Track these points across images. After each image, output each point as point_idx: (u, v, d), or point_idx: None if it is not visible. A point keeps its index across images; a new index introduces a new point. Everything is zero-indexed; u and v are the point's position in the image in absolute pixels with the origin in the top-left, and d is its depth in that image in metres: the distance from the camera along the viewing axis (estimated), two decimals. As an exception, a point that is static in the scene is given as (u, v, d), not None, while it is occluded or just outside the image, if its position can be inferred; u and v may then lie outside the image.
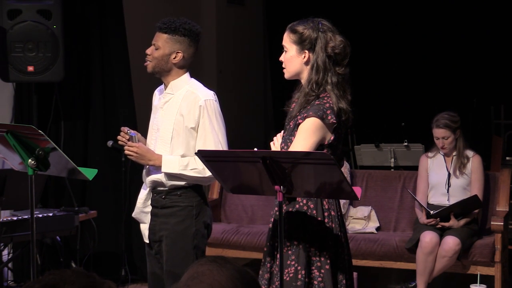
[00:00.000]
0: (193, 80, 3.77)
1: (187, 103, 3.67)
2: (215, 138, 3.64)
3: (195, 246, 3.69)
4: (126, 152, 3.68)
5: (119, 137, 3.72)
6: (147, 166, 3.74)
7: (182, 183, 3.67)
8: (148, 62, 3.73)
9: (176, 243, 3.68)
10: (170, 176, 3.65)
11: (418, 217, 5.50)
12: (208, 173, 3.55)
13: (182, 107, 3.67)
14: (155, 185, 3.73)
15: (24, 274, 5.68)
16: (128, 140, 3.68)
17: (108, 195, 5.94)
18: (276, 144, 3.35)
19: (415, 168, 5.78)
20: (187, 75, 3.75)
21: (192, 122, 3.65)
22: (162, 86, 3.84)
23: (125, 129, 3.72)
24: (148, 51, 3.73)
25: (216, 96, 3.75)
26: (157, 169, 3.67)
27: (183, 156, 3.65)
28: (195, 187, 3.70)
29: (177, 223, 3.68)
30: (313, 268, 3.23)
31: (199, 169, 3.61)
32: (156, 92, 3.89)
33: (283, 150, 3.27)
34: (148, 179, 3.74)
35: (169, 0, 7.41)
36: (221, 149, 3.63)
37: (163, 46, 3.69)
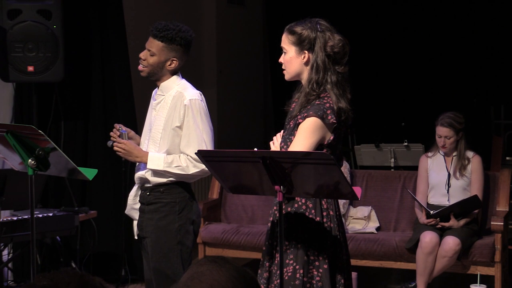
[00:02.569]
0: (183, 81, 3.81)
1: (174, 102, 3.73)
2: (199, 137, 3.68)
3: (178, 241, 3.72)
4: (115, 148, 3.75)
5: (111, 133, 3.79)
6: (138, 164, 3.82)
7: (165, 180, 3.73)
8: (143, 67, 3.77)
9: (160, 238, 3.73)
10: (155, 172, 3.72)
11: (418, 217, 5.50)
12: (191, 170, 3.65)
13: (170, 107, 3.74)
14: (142, 182, 3.80)
15: (24, 274, 5.68)
16: (119, 136, 3.76)
17: (108, 195, 5.95)
18: (275, 143, 3.36)
19: (415, 168, 5.78)
20: (176, 76, 3.80)
21: (177, 121, 3.70)
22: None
23: (117, 125, 3.80)
24: (142, 55, 3.76)
25: (202, 96, 3.79)
26: (145, 166, 3.75)
27: (167, 153, 3.71)
28: (180, 183, 3.75)
29: (160, 218, 3.73)
30: (311, 267, 3.23)
31: (182, 167, 3.67)
32: (153, 94, 3.95)
33: (282, 149, 3.28)
34: (136, 176, 3.84)
35: (169, 0, 7.41)
36: (204, 147, 3.67)
37: (158, 54, 3.73)
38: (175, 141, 3.71)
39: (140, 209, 3.82)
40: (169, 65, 3.73)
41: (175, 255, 3.71)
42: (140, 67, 3.78)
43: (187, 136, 3.68)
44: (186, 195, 3.76)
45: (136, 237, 3.87)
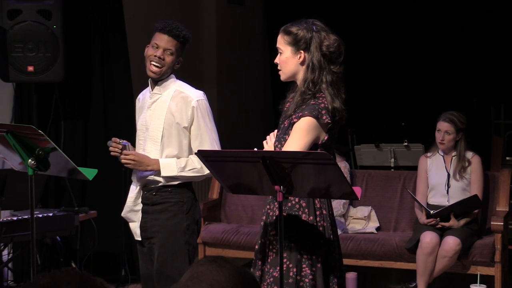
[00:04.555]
0: (180, 81, 3.81)
1: (176, 102, 3.72)
2: (210, 137, 3.70)
3: (186, 241, 3.72)
4: (123, 161, 3.69)
5: (111, 149, 3.71)
6: None
7: (176, 182, 3.72)
8: (159, 67, 3.70)
9: (168, 238, 3.71)
10: (168, 177, 3.69)
11: (418, 217, 5.50)
12: (206, 171, 3.62)
13: (171, 107, 3.72)
14: (146, 183, 3.76)
15: (24, 274, 5.68)
16: (122, 149, 3.69)
17: (108, 195, 5.94)
18: (269, 142, 3.37)
19: (415, 168, 5.77)
20: (173, 76, 3.79)
21: (184, 122, 3.69)
22: (145, 91, 3.89)
23: (117, 140, 3.73)
24: (161, 54, 3.69)
25: (205, 95, 3.80)
26: (157, 173, 3.70)
27: (176, 156, 3.69)
28: (186, 183, 3.75)
29: (168, 218, 3.72)
30: (304, 266, 3.24)
31: (197, 169, 3.68)
32: (140, 97, 3.93)
33: (276, 148, 3.29)
34: (138, 177, 3.78)
35: (170, 0, 7.41)
36: (216, 147, 3.70)
37: (176, 53, 3.72)
38: (182, 142, 3.70)
39: (143, 210, 3.78)
40: (177, 64, 3.75)
41: (183, 255, 3.70)
42: (154, 68, 3.70)
43: (200, 137, 3.69)
44: (191, 194, 3.77)
45: (139, 239, 3.81)
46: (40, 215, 4.87)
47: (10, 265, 5.71)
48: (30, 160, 3.40)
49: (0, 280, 5.40)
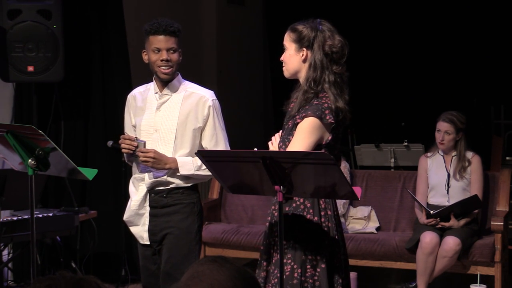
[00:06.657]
0: (187, 81, 3.81)
1: (190, 103, 3.71)
2: (224, 137, 3.75)
3: (197, 242, 3.74)
4: (142, 158, 3.63)
5: (124, 145, 3.67)
6: (139, 167, 3.74)
7: (189, 184, 3.72)
8: (169, 68, 3.68)
9: (181, 240, 3.70)
10: (181, 176, 3.68)
11: (418, 217, 5.50)
12: None
13: (184, 107, 3.70)
14: (154, 185, 3.73)
15: (24, 274, 5.68)
16: (136, 147, 3.66)
17: (108, 195, 5.94)
18: (274, 143, 3.37)
19: (415, 168, 5.77)
20: (179, 74, 3.79)
21: (200, 122, 3.70)
22: (142, 90, 3.84)
23: (132, 137, 3.70)
24: (166, 56, 3.66)
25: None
26: (174, 172, 3.68)
27: (189, 155, 3.69)
28: (194, 185, 3.76)
29: (181, 220, 3.71)
30: (309, 266, 3.24)
31: None
32: (136, 95, 3.85)
33: (281, 149, 3.29)
34: (154, 176, 3.71)
35: (169, 0, 7.41)
36: (228, 145, 3.74)
37: (178, 48, 3.71)
38: (195, 142, 3.71)
39: (151, 214, 3.74)
40: (180, 58, 3.73)
41: (194, 256, 3.70)
42: (166, 70, 3.68)
43: (215, 137, 3.72)
44: (198, 195, 3.79)
45: (147, 242, 3.76)
46: (40, 215, 4.87)
47: (10, 265, 5.71)
48: (30, 160, 3.40)
49: (0, 280, 5.40)
